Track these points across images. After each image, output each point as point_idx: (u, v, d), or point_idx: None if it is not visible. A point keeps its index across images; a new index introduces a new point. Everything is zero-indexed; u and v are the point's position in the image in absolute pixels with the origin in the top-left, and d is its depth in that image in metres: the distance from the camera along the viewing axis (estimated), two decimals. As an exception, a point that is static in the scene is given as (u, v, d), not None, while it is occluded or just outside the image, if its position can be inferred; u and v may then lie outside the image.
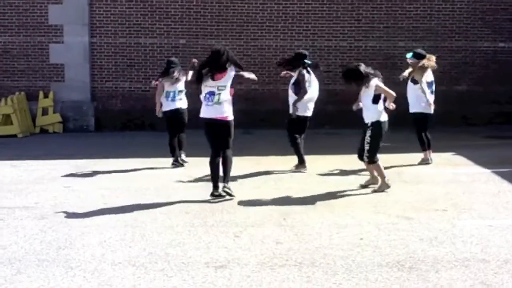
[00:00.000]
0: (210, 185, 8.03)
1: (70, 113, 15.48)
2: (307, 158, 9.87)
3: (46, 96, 15.52)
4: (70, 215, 7.18)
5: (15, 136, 14.41)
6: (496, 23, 15.75)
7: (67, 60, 15.54)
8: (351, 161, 10.01)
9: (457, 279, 5.06)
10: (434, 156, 10.14)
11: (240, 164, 10.09)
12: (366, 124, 8.32)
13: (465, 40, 15.77)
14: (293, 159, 9.85)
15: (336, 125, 14.66)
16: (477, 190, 8.38)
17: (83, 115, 15.23)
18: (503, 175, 9.17)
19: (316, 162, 10.22)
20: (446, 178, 8.83)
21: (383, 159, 10.13)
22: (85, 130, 15.00)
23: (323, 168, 9.99)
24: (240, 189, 8.42)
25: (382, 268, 5.32)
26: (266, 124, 14.20)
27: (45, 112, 15.51)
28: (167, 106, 10.29)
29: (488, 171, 9.60)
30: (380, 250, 5.81)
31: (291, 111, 9.67)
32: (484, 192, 8.29)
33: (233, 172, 8.97)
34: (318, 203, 7.74)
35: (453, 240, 6.12)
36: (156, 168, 10.15)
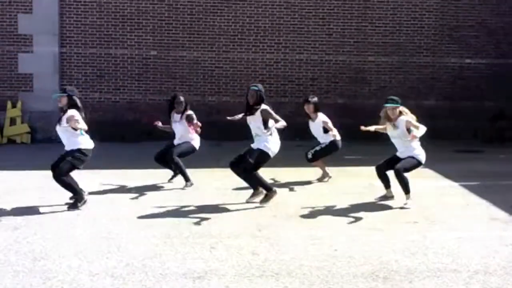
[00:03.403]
0: (184, 196, 8.04)
1: (38, 124, 15.33)
2: (281, 170, 9.96)
3: (14, 106, 15.36)
4: (44, 226, 7.12)
5: (-18, 146, 14.22)
6: (463, 39, 16.15)
7: (36, 70, 15.41)
8: (331, 173, 10.20)
9: (431, 289, 5.18)
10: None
11: (213, 177, 10.18)
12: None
13: (433, 56, 16.13)
14: (267, 171, 9.89)
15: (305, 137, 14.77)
16: (447, 203, 8.58)
17: (52, 126, 14.99)
18: (471, 188, 9.40)
19: (290, 175, 10.35)
20: (416, 191, 8.97)
21: (354, 171, 10.34)
22: (54, 140, 14.75)
23: (297, 180, 10.11)
24: (213, 201, 8.49)
25: (358, 278, 5.42)
26: (235, 136, 14.25)
27: (13, 122, 15.34)
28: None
29: (456, 184, 9.83)
30: (355, 261, 5.91)
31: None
32: (453, 204, 8.49)
33: (205, 185, 9.05)
34: (292, 215, 7.83)
35: (425, 251, 6.26)
36: (128, 180, 10.11)
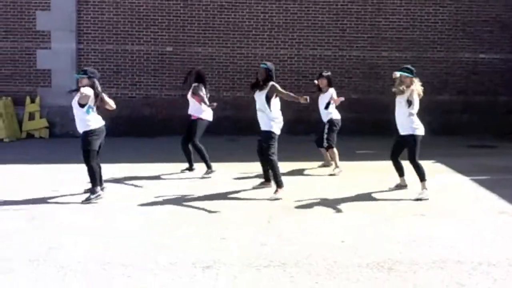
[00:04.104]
0: (195, 188, 8.23)
1: (56, 119, 15.58)
2: (294, 164, 10.13)
3: (33, 101, 15.61)
4: (58, 217, 7.33)
5: (1, 140, 14.49)
6: (477, 34, 16.10)
7: (54, 65, 15.63)
8: (343, 167, 10.32)
9: (434, 280, 5.29)
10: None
11: (224, 169, 10.34)
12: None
13: (447, 51, 16.11)
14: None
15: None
16: (455, 196, 8.66)
17: (70, 121, 15.22)
18: (480, 182, 9.45)
19: (303, 168, 10.49)
20: (426, 185, 9.07)
21: (366, 166, 10.45)
22: (71, 135, 15.06)
23: (308, 172, 10.25)
24: (224, 193, 8.65)
25: (363, 269, 5.54)
26: (250, 131, 14.39)
27: (31, 117, 15.60)
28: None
29: (467, 178, 9.89)
30: (361, 252, 6.03)
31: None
32: (462, 198, 8.57)
33: (216, 176, 9.27)
34: (302, 206, 7.96)
35: (430, 243, 6.36)
36: (141, 172, 10.29)
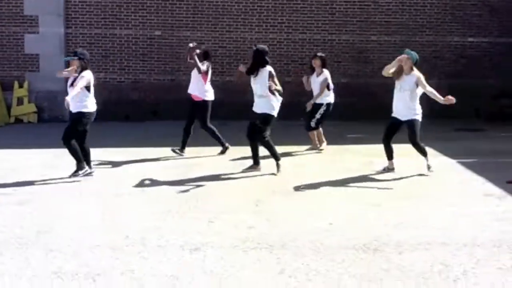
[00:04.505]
0: (183, 173, 8.26)
1: (45, 103, 15.53)
2: (282, 148, 10.16)
3: (21, 86, 15.54)
4: (47, 202, 7.36)
5: (-10, 125, 14.45)
6: (466, 18, 16.14)
7: (42, 50, 15.55)
8: (332, 151, 10.40)
9: (419, 260, 5.36)
10: (405, 146, 10.34)
11: (215, 153, 10.39)
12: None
13: (435, 34, 16.14)
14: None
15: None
16: (442, 179, 8.74)
17: (58, 105, 15.21)
18: (467, 165, 9.54)
19: (291, 152, 10.54)
20: (413, 168, 9.15)
21: (355, 149, 10.52)
22: (60, 120, 15.00)
23: (296, 155, 10.30)
24: (214, 177, 8.70)
25: (348, 250, 5.61)
26: (240, 115, 14.40)
27: (20, 102, 15.54)
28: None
29: (454, 161, 9.97)
30: (348, 234, 6.10)
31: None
32: (449, 181, 8.66)
33: (207, 161, 9.30)
34: (290, 190, 8.03)
35: (416, 225, 6.44)
36: (132, 157, 10.30)
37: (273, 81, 8.80)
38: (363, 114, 14.88)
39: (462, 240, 5.91)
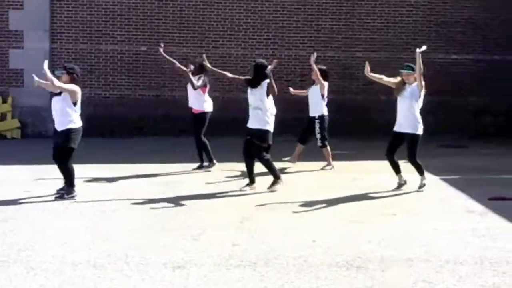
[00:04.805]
0: (168, 190, 8.26)
1: (29, 119, 15.46)
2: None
3: (4, 101, 15.46)
4: (31, 219, 7.30)
5: (-27, 141, 14.34)
6: (450, 35, 16.32)
7: (27, 65, 15.44)
8: (317, 167, 10.44)
9: (402, 277, 5.39)
10: (382, 163, 10.39)
11: (201, 169, 10.39)
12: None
13: (420, 52, 16.28)
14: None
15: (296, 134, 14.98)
16: (425, 196, 8.81)
17: (42, 121, 15.20)
18: (451, 182, 9.62)
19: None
20: (395, 184, 9.21)
21: (340, 166, 10.56)
22: (44, 135, 14.97)
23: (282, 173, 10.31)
24: (199, 194, 8.69)
25: (332, 267, 5.62)
26: (226, 132, 14.43)
27: (3, 117, 15.45)
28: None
29: (437, 178, 10.04)
30: (331, 251, 6.11)
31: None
32: (431, 197, 8.72)
33: (192, 177, 9.28)
34: (275, 207, 8.03)
35: (399, 242, 6.47)
36: (116, 173, 10.26)
37: (273, 90, 8.91)
38: (348, 130, 14.94)
39: (444, 257, 5.95)
